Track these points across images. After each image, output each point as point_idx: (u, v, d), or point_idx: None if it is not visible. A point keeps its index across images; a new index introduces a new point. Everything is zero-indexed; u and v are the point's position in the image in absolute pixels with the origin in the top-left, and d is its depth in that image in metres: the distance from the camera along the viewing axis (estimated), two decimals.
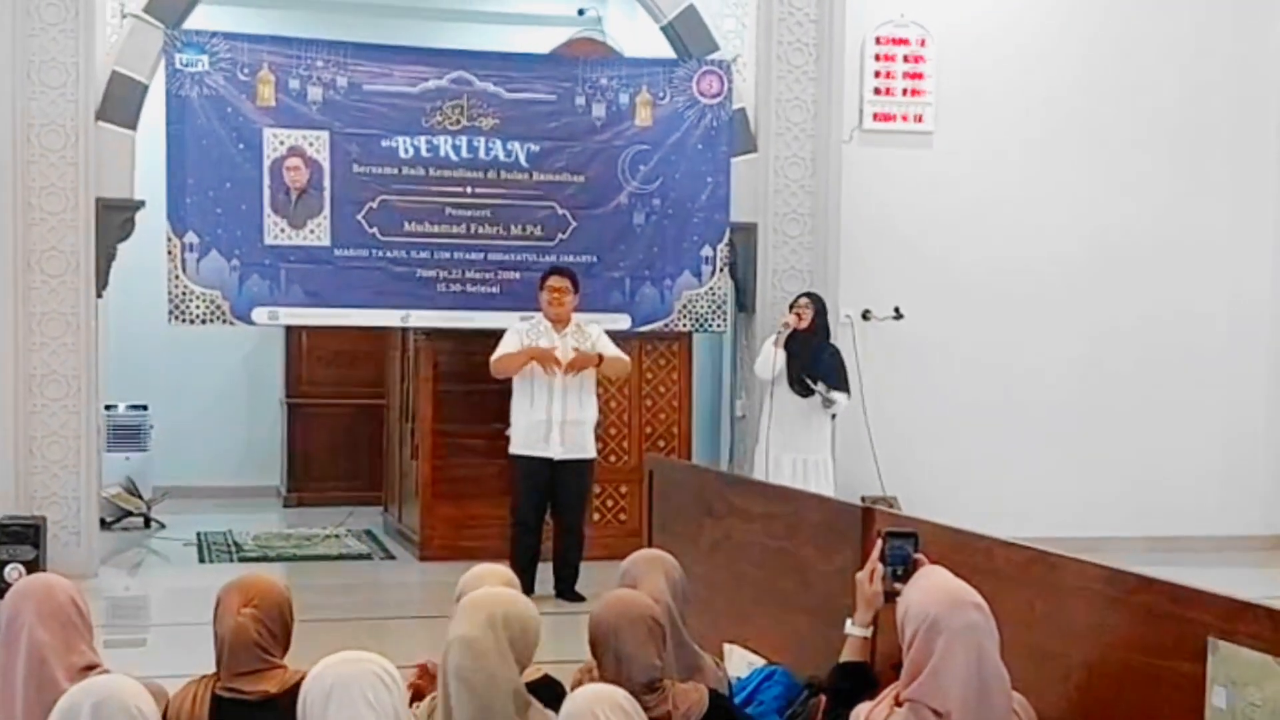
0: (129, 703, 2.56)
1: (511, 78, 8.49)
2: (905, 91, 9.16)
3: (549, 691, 3.46)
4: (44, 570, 6.85)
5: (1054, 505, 8.95)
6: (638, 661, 3.17)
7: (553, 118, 8.49)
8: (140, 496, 10.05)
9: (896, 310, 9.01)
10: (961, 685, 2.67)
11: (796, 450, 8.00)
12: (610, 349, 7.66)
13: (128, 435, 10.33)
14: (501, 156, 8.42)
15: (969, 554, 3.23)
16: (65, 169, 7.79)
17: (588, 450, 7.61)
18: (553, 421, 7.43)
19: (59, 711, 2.53)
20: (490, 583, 3.43)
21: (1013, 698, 2.78)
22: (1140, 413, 9.38)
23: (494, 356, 7.54)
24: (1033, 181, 9.27)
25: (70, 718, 2.50)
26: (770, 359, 7.97)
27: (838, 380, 8.07)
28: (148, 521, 9.94)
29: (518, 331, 7.58)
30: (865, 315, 8.98)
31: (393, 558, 8.96)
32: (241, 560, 8.71)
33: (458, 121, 8.36)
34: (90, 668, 2.97)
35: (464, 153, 8.36)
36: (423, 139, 8.32)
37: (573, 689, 3.48)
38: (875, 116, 9.11)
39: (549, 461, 7.44)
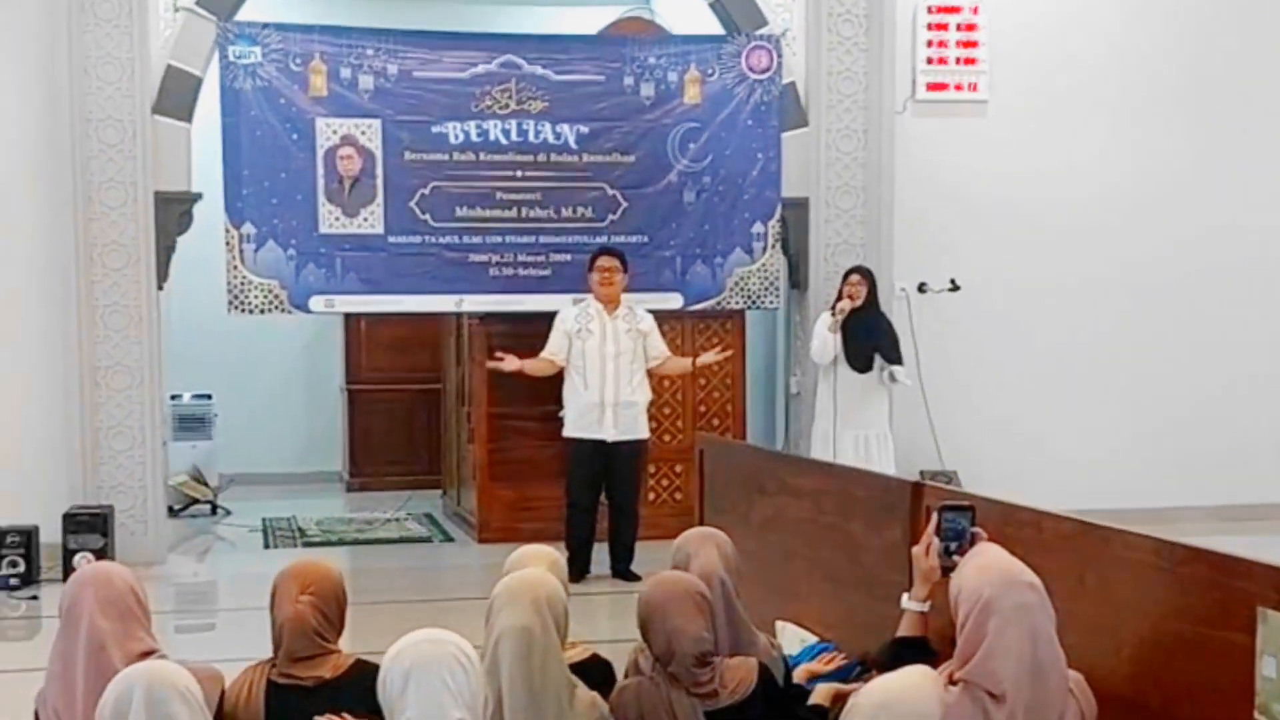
0: (179, 685, 2.62)
1: (560, 60, 8.49)
2: (959, 60, 9.06)
3: (599, 671, 3.50)
4: (112, 559, 7.06)
5: (1120, 476, 8.85)
6: (687, 634, 3.20)
7: (601, 98, 8.49)
8: (206, 484, 10.20)
9: (953, 282, 8.91)
10: (1015, 666, 2.66)
11: (857, 426, 7.96)
12: (660, 345, 7.72)
13: (193, 424, 10.49)
14: (551, 139, 8.43)
15: (1017, 527, 3.21)
16: (124, 163, 7.88)
17: (640, 431, 7.63)
18: (605, 404, 7.47)
19: (111, 695, 2.59)
20: (535, 563, 3.46)
21: (1069, 677, 2.77)
22: (1206, 379, 9.24)
23: (542, 356, 7.67)
24: (1090, 147, 9.14)
25: (123, 701, 2.56)
26: (826, 343, 7.92)
27: (895, 353, 8.04)
28: (214, 509, 10.07)
29: (564, 320, 7.65)
30: (921, 288, 8.89)
31: (452, 540, 9.04)
32: (305, 545, 8.84)
33: (507, 105, 8.38)
34: (148, 654, 3.02)
35: (514, 136, 8.38)
36: (473, 124, 8.34)
37: (625, 671, 3.51)
38: (928, 86, 9.01)
39: (602, 443, 7.47)
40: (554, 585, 3.15)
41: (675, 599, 3.26)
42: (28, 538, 7.45)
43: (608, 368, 7.48)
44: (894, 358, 8.02)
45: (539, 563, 3.48)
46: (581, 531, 7.48)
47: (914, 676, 2.75)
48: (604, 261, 7.62)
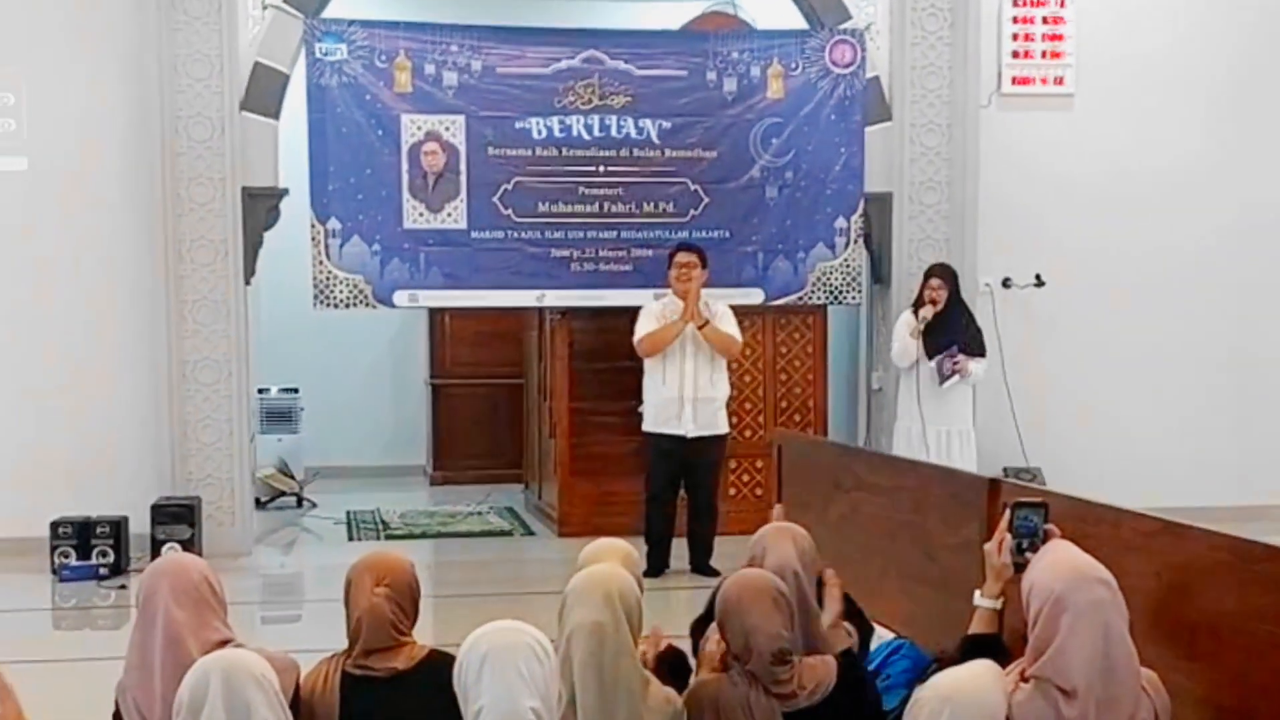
0: (255, 672, 2.66)
1: (642, 55, 8.49)
2: (1044, 54, 8.93)
3: (676, 665, 3.50)
4: (199, 550, 7.19)
5: (1210, 473, 8.72)
6: (764, 633, 3.18)
7: (684, 94, 8.48)
8: (293, 477, 10.34)
9: (1038, 277, 8.80)
10: (1087, 663, 2.64)
11: (940, 422, 7.86)
12: (729, 326, 7.59)
13: (280, 417, 10.65)
14: (633, 134, 8.44)
15: (1094, 524, 3.18)
16: (212, 159, 7.99)
17: (719, 427, 7.60)
18: (684, 399, 7.44)
19: (189, 683, 2.64)
20: (609, 557, 3.46)
21: (1141, 675, 2.73)
22: None
23: (638, 335, 7.54)
24: (1180, 142, 8.98)
25: (200, 688, 2.61)
26: (908, 348, 7.82)
27: (978, 347, 7.93)
28: (300, 501, 10.21)
29: (652, 309, 7.62)
30: (1005, 283, 8.79)
31: (533, 534, 9.09)
32: (388, 538, 8.92)
33: (589, 101, 8.40)
34: (224, 643, 3.07)
35: (596, 132, 8.41)
36: (555, 120, 8.37)
37: (699, 663, 3.50)
38: (1014, 80, 8.90)
39: (681, 438, 7.45)
40: (625, 580, 3.15)
41: (753, 596, 3.24)
42: (117, 528, 7.61)
43: (686, 363, 7.46)
44: (975, 351, 7.90)
45: (613, 556, 3.48)
46: (660, 526, 7.48)
47: (978, 670, 2.74)
48: (683, 257, 7.58)
